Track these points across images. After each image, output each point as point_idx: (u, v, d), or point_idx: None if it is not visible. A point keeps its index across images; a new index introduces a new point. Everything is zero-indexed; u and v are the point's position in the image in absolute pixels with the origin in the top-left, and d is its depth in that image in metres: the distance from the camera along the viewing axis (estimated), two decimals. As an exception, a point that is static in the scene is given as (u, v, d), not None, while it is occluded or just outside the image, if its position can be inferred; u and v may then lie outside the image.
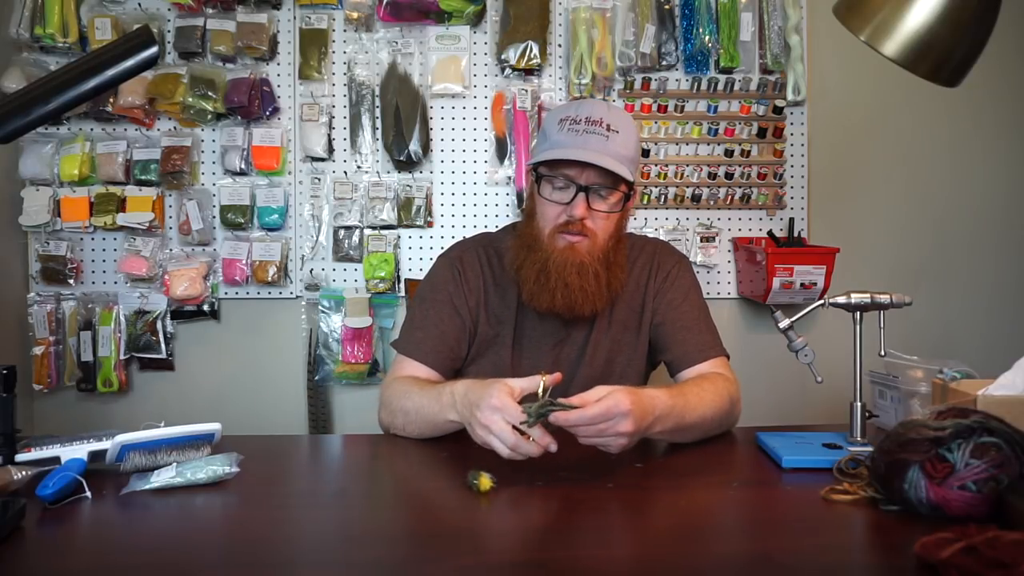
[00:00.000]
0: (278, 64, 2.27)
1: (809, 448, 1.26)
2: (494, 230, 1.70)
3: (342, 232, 2.28)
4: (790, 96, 2.28)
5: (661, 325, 1.55)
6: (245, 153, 2.24)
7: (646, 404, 1.19)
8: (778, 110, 2.30)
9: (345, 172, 2.28)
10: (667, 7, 2.26)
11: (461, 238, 1.69)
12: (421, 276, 2.24)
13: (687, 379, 1.47)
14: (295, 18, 2.26)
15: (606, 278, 1.46)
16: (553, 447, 1.14)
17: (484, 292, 1.56)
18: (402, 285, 2.27)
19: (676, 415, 1.27)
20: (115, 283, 2.27)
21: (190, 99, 2.16)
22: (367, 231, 2.28)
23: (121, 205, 2.22)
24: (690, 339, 1.51)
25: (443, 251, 1.64)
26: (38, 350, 2.19)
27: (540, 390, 1.15)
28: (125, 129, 2.25)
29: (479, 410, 1.17)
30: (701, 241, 2.33)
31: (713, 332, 1.55)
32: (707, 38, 2.25)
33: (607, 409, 1.12)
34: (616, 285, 1.49)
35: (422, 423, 1.36)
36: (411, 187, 2.28)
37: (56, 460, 1.15)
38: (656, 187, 2.31)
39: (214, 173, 2.27)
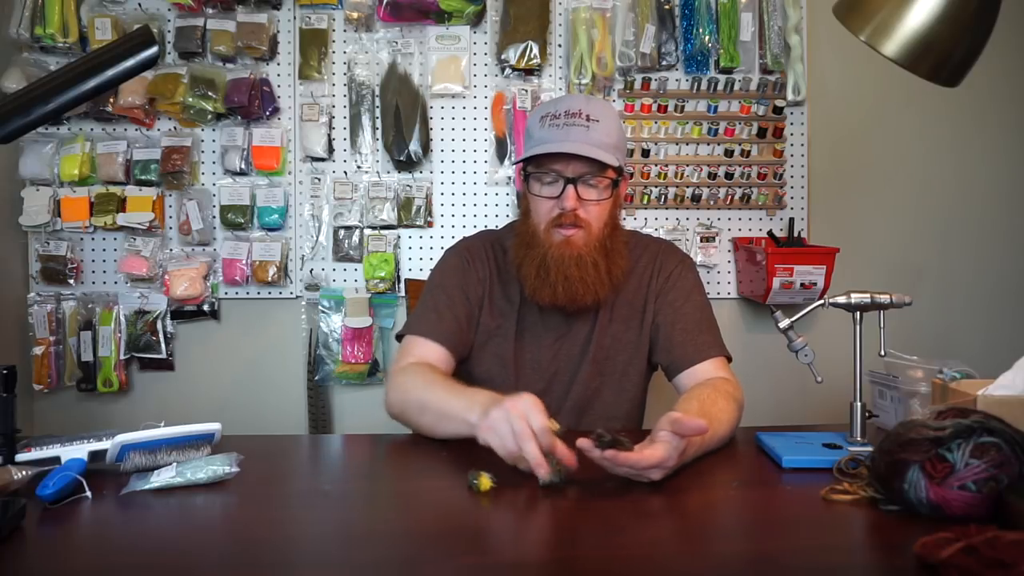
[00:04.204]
0: (278, 64, 2.27)
1: (809, 448, 1.26)
2: (497, 228, 1.72)
3: (342, 232, 2.28)
4: (790, 96, 2.28)
5: (662, 326, 1.55)
6: (245, 153, 2.24)
7: (687, 453, 1.16)
8: (778, 110, 2.30)
9: (345, 172, 2.28)
10: (667, 7, 2.26)
11: (461, 238, 1.70)
12: (421, 276, 2.25)
13: (688, 385, 1.47)
14: (295, 18, 2.26)
15: (606, 266, 1.48)
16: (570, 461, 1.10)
17: (489, 284, 1.58)
18: (402, 285, 2.27)
19: (705, 446, 1.24)
20: (115, 283, 2.27)
21: (190, 99, 2.16)
22: (367, 231, 2.28)
23: (121, 205, 2.22)
24: (689, 340, 1.51)
25: (450, 246, 1.66)
26: (38, 350, 2.19)
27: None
28: (125, 129, 2.25)
29: (501, 405, 1.13)
30: (701, 241, 2.33)
31: (715, 333, 1.55)
32: (707, 38, 2.25)
33: (658, 463, 1.09)
34: (617, 272, 1.50)
35: (438, 417, 1.32)
36: (411, 187, 2.28)
37: (56, 460, 1.15)
38: (656, 187, 2.31)
39: (214, 173, 2.27)
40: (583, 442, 1.08)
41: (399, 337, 1.58)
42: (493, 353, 1.56)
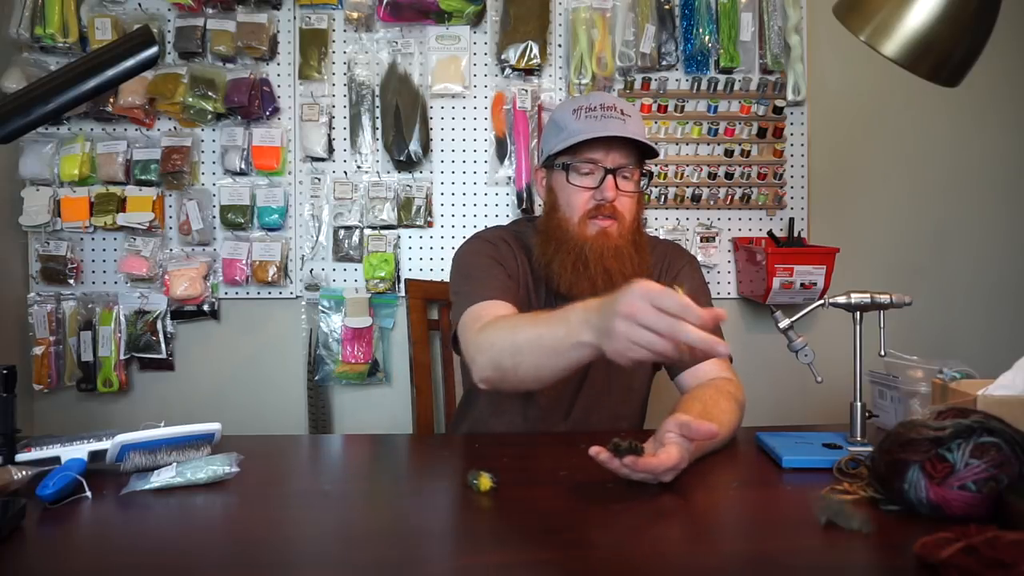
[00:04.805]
0: (278, 64, 2.27)
1: (809, 448, 1.26)
2: (505, 224, 1.70)
3: (342, 232, 2.28)
4: (790, 96, 2.28)
5: None
6: (245, 153, 2.24)
7: (694, 454, 1.17)
8: (778, 110, 2.30)
9: (345, 172, 2.28)
10: (667, 7, 2.26)
11: (495, 226, 1.68)
12: (421, 276, 2.25)
13: (690, 385, 1.47)
14: (295, 18, 2.26)
15: (638, 260, 1.49)
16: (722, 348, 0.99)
17: (523, 276, 1.56)
18: (402, 285, 2.27)
19: (708, 446, 1.25)
20: (115, 283, 2.27)
21: (190, 99, 2.16)
22: (367, 231, 2.27)
23: (121, 205, 2.21)
24: None
25: (469, 238, 1.61)
26: (38, 350, 2.19)
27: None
28: (125, 129, 2.25)
29: (619, 304, 1.01)
30: (701, 241, 2.32)
31: (718, 334, 1.54)
32: (707, 38, 2.25)
33: (674, 466, 1.10)
34: (644, 266, 1.51)
35: (540, 355, 1.18)
36: (411, 187, 2.28)
37: (56, 460, 1.15)
38: (656, 187, 2.30)
39: (214, 173, 2.27)
40: (599, 454, 1.08)
41: (453, 339, 1.45)
42: None
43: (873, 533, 0.94)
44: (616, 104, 1.48)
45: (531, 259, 1.57)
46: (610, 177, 1.45)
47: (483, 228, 2.21)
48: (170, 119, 2.25)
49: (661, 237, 2.25)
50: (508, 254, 1.56)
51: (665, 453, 1.09)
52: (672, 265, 1.60)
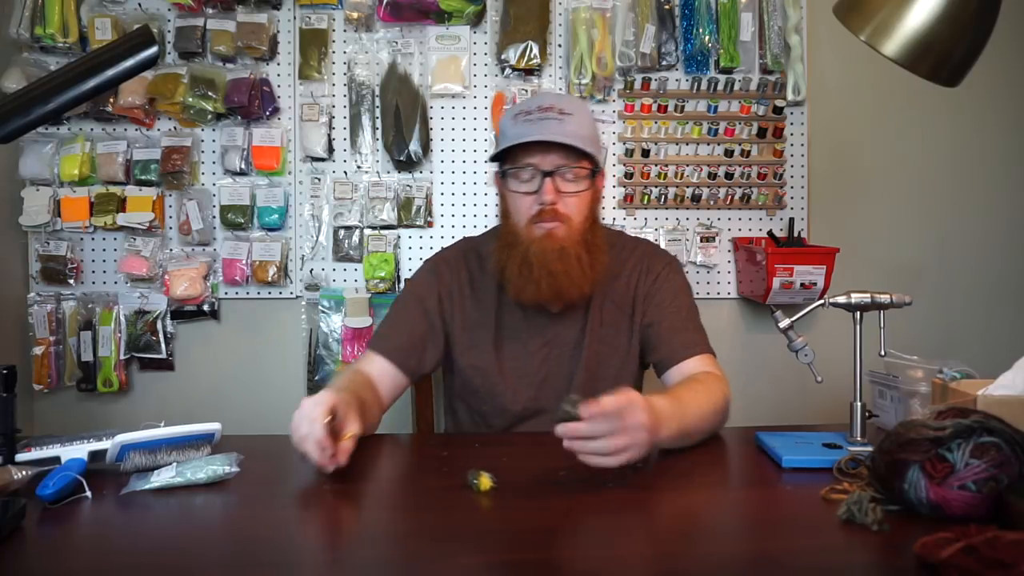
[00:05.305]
0: (278, 64, 2.27)
1: (809, 448, 1.26)
2: (478, 234, 1.71)
3: (342, 232, 2.28)
4: (790, 96, 2.28)
5: (650, 326, 1.55)
6: (245, 153, 2.24)
7: (653, 404, 1.16)
8: (778, 110, 2.30)
9: (345, 172, 2.28)
10: (667, 7, 2.26)
11: (461, 238, 1.69)
12: (421, 276, 2.26)
13: (676, 381, 1.47)
14: (295, 18, 2.26)
15: (589, 260, 1.47)
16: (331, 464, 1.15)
17: (460, 296, 1.57)
18: (402, 285, 2.27)
19: (678, 418, 1.24)
20: (115, 283, 2.27)
21: (190, 99, 2.16)
22: (367, 231, 2.28)
23: (121, 205, 2.21)
24: (677, 338, 1.52)
25: (426, 259, 1.67)
26: (38, 350, 2.19)
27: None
28: (125, 129, 2.25)
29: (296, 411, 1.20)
30: (701, 241, 2.32)
31: (700, 332, 1.55)
32: (707, 38, 2.25)
33: (621, 407, 1.09)
34: (599, 267, 1.49)
35: None
36: (411, 187, 2.28)
37: (56, 460, 1.15)
38: (656, 187, 2.31)
39: (214, 173, 2.27)
40: (558, 430, 1.10)
41: None
42: (471, 366, 1.55)
43: (887, 532, 0.94)
44: (555, 104, 1.45)
45: (483, 269, 1.57)
46: (548, 180, 1.42)
47: (483, 228, 2.23)
48: (170, 119, 2.25)
49: (661, 237, 2.28)
50: (448, 277, 1.58)
51: (608, 396, 1.09)
52: (651, 268, 1.58)
